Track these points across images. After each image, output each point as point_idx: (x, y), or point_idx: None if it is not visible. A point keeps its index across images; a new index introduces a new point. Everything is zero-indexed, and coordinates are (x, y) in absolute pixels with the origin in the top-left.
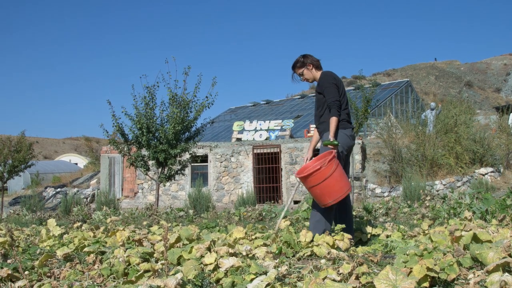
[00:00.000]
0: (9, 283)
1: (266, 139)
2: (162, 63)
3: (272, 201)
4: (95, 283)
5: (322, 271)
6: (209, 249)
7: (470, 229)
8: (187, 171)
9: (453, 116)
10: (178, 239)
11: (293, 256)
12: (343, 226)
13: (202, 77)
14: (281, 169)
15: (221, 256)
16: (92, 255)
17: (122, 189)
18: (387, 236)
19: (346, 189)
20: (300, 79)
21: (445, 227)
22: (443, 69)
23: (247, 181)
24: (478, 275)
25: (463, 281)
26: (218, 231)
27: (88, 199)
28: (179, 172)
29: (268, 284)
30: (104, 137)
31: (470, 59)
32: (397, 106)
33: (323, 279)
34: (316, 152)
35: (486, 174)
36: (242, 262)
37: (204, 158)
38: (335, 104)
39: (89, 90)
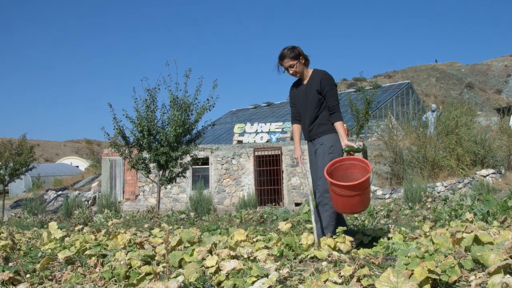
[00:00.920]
0: (11, 286)
1: (267, 141)
2: (163, 64)
3: (274, 204)
4: (96, 286)
5: (324, 273)
6: (210, 251)
7: (472, 231)
8: (188, 173)
9: (454, 118)
10: (180, 242)
11: (295, 258)
12: (344, 228)
13: (203, 79)
14: (282, 171)
15: (223, 259)
16: (93, 258)
17: (123, 192)
18: (389, 238)
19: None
20: (286, 72)
21: (447, 229)
22: (444, 71)
23: (248, 184)
24: (479, 277)
25: (465, 283)
26: (220, 233)
27: (89, 202)
28: (180, 174)
29: (269, 287)
30: (105, 140)
31: (471, 61)
32: (398, 108)
33: (325, 281)
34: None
35: (487, 175)
36: (244, 265)
37: (205, 161)
38: (338, 107)
39: (90, 93)
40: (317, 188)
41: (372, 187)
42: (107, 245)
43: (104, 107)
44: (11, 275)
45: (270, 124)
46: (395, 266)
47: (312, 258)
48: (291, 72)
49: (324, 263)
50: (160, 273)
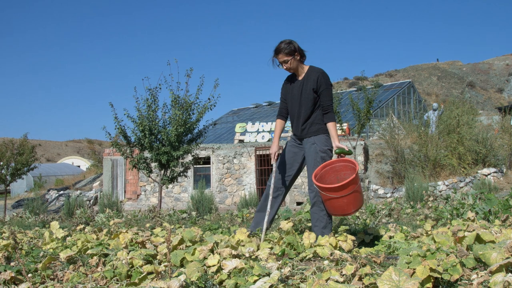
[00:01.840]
0: (13, 285)
1: (269, 140)
2: (164, 64)
3: None
4: (98, 286)
5: (325, 272)
6: (212, 251)
7: (473, 230)
8: (190, 173)
9: (455, 117)
10: (181, 241)
11: (296, 257)
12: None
13: (204, 79)
14: None
15: (224, 258)
16: (95, 257)
17: (124, 191)
18: (390, 237)
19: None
20: (281, 66)
21: (448, 228)
22: (445, 70)
23: (249, 183)
24: (481, 276)
25: (466, 281)
26: (221, 233)
27: (91, 202)
28: (181, 174)
29: (271, 286)
30: (107, 140)
31: (472, 60)
32: (399, 107)
33: (326, 280)
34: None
35: (488, 174)
36: (245, 264)
37: (207, 160)
38: (332, 108)
39: (91, 92)
40: (311, 189)
41: (374, 186)
42: (109, 245)
43: (106, 107)
44: (13, 274)
45: (272, 123)
46: (396, 265)
47: (313, 257)
48: (284, 67)
49: (326, 262)
50: (162, 272)
